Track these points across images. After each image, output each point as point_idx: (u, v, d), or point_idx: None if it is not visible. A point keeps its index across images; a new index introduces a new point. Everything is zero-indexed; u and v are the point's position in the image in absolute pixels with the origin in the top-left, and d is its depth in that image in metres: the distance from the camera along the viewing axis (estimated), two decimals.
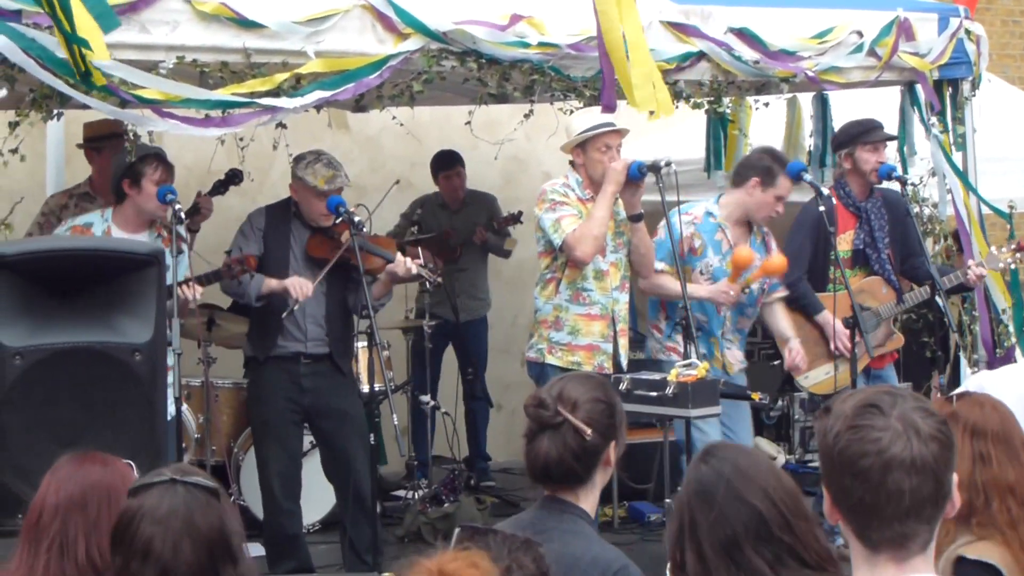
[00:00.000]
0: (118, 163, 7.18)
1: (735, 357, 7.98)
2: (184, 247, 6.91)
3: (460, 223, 10.24)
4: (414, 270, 7.44)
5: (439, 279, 8.58)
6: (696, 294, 7.63)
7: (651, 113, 7.08)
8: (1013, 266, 8.54)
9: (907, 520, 2.61)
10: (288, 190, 7.70)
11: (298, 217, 7.59)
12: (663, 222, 7.69)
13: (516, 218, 10.37)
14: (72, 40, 5.82)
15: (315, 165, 7.46)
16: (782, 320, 8.11)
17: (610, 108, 7.03)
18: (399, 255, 7.47)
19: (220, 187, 8.47)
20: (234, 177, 8.44)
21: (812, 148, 8.90)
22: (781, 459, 9.93)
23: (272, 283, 7.37)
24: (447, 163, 10.28)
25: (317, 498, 8.19)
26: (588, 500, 3.75)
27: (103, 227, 7.19)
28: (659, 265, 7.71)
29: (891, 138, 8.38)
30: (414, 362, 9.78)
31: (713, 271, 7.78)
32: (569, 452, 3.69)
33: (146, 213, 7.14)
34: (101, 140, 8.25)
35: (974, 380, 5.29)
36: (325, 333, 7.53)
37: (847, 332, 7.84)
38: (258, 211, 7.65)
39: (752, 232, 7.96)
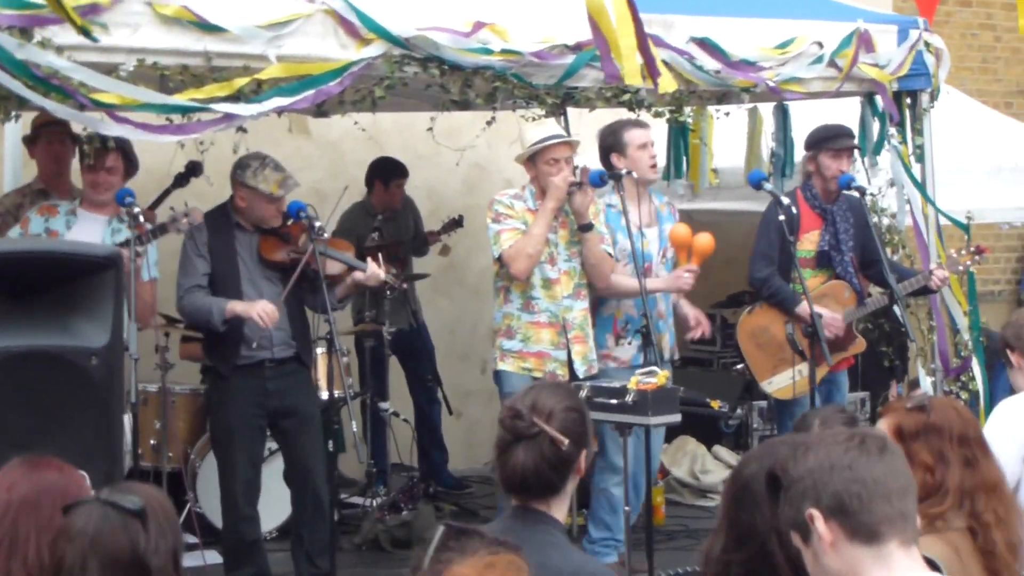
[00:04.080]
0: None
1: (667, 343, 8.04)
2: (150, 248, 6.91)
3: (392, 230, 10.17)
4: (382, 276, 7.42)
5: (404, 285, 8.58)
6: (655, 287, 7.71)
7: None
8: (970, 268, 8.60)
9: (904, 497, 2.72)
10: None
11: (239, 222, 7.51)
12: None
13: (458, 223, 10.36)
14: None
15: (264, 171, 7.37)
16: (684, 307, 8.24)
17: (614, 77, 6.97)
18: (370, 262, 7.45)
19: (181, 180, 8.37)
20: (194, 169, 8.34)
21: (774, 157, 8.94)
22: None
23: (237, 308, 7.23)
24: (401, 172, 10.18)
25: (274, 506, 8.14)
26: (560, 509, 3.71)
27: (68, 207, 7.24)
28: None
29: (854, 147, 8.42)
30: (372, 368, 9.72)
31: (631, 254, 7.74)
32: (545, 462, 3.63)
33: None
34: (37, 131, 8.12)
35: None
36: (290, 336, 7.47)
37: (836, 316, 8.01)
38: (196, 227, 7.44)
39: (655, 206, 8.06)
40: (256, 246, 7.44)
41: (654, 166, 7.93)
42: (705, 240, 7.76)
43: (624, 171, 7.64)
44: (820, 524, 2.70)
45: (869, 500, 2.67)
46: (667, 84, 7.23)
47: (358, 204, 10.09)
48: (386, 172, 10.12)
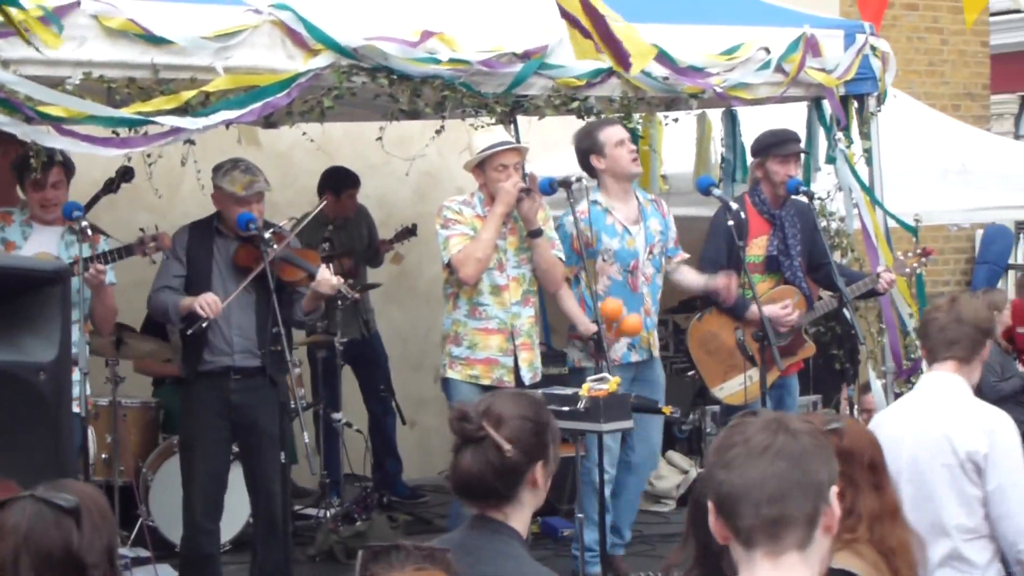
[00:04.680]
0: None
1: (655, 339, 8.09)
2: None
3: (349, 238, 10.16)
4: (333, 282, 7.40)
5: (356, 295, 8.56)
6: (575, 318, 7.78)
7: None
8: (919, 271, 8.65)
9: (774, 504, 2.61)
10: (198, 207, 7.64)
11: (221, 230, 7.52)
12: (559, 222, 7.88)
13: (411, 231, 10.36)
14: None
15: (233, 172, 7.39)
16: (692, 275, 8.23)
17: (627, 65, 6.90)
18: (323, 270, 7.43)
19: (111, 185, 8.29)
20: (125, 174, 8.26)
21: (724, 163, 8.98)
22: (693, 473, 9.97)
23: (185, 301, 7.31)
24: (353, 182, 10.17)
25: (229, 518, 8.10)
26: (517, 520, 3.66)
27: (22, 216, 7.27)
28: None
29: (801, 151, 8.46)
30: (325, 379, 9.69)
31: (615, 253, 7.83)
32: (490, 468, 3.59)
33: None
34: None
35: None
36: (256, 345, 7.44)
37: (783, 312, 8.04)
38: (181, 229, 7.54)
39: (639, 203, 8.04)
40: (232, 252, 7.45)
41: (636, 160, 7.96)
42: (632, 321, 7.79)
43: (575, 178, 7.64)
44: (711, 517, 2.71)
45: (735, 503, 2.65)
46: (640, 62, 7.18)
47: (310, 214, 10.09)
48: (337, 182, 10.11)
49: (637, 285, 7.94)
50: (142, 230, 7.48)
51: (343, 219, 10.14)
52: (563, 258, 7.75)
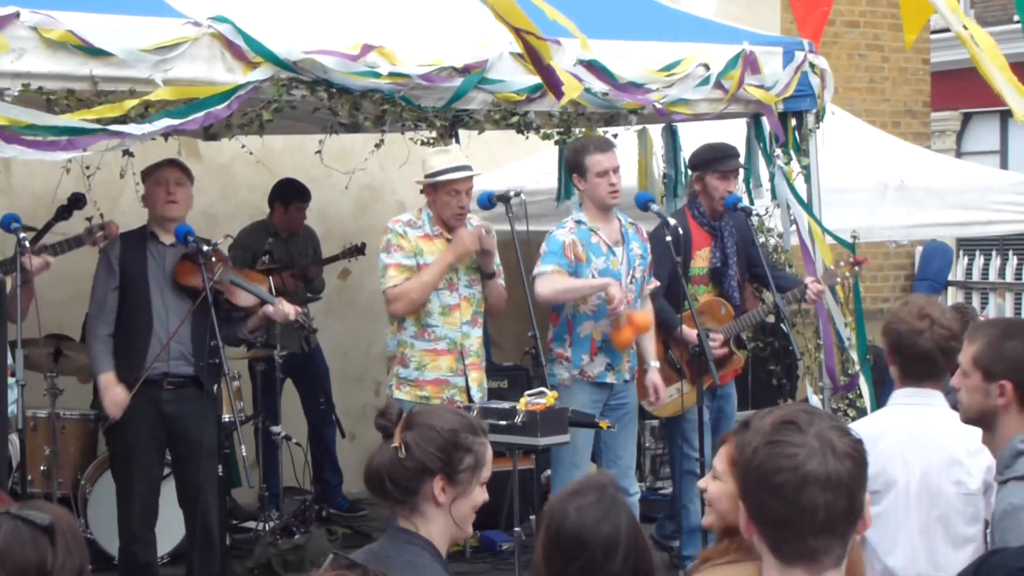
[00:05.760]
0: None
1: (628, 357, 8.01)
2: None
3: (294, 252, 10.16)
4: (291, 315, 7.46)
5: (313, 326, 8.60)
6: (594, 284, 7.71)
7: None
8: (850, 280, 8.68)
9: (820, 535, 2.67)
10: (138, 219, 7.63)
11: (156, 233, 7.53)
12: (544, 241, 7.82)
13: (360, 249, 10.35)
14: None
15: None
16: (648, 339, 8.09)
17: (559, 94, 6.94)
18: (281, 300, 7.53)
19: (63, 212, 8.32)
20: (77, 201, 8.27)
21: (664, 178, 9.03)
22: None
23: (104, 391, 7.38)
24: (300, 195, 10.19)
25: (167, 529, 8.09)
26: (428, 531, 3.73)
27: None
28: (547, 268, 7.71)
29: (740, 167, 8.52)
30: (263, 392, 9.69)
31: (603, 272, 7.78)
32: (386, 468, 3.71)
33: None
34: None
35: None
36: (190, 352, 7.44)
37: (713, 345, 8.02)
38: (111, 241, 7.53)
39: (621, 225, 7.98)
40: (171, 268, 7.45)
41: (614, 192, 7.81)
42: (642, 316, 7.80)
43: (513, 193, 7.67)
44: (743, 518, 2.78)
45: (781, 529, 2.71)
46: (572, 90, 7.22)
47: (259, 223, 10.18)
48: (286, 194, 10.14)
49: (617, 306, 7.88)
50: (88, 219, 7.47)
51: (288, 232, 10.15)
52: (555, 269, 7.70)
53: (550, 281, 7.68)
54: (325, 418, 10.37)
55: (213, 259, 7.29)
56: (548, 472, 8.13)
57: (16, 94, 6.29)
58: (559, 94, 6.78)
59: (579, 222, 7.86)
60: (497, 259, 7.74)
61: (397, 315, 7.54)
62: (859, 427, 5.03)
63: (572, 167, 7.95)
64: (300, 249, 10.26)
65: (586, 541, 3.17)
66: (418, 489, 3.69)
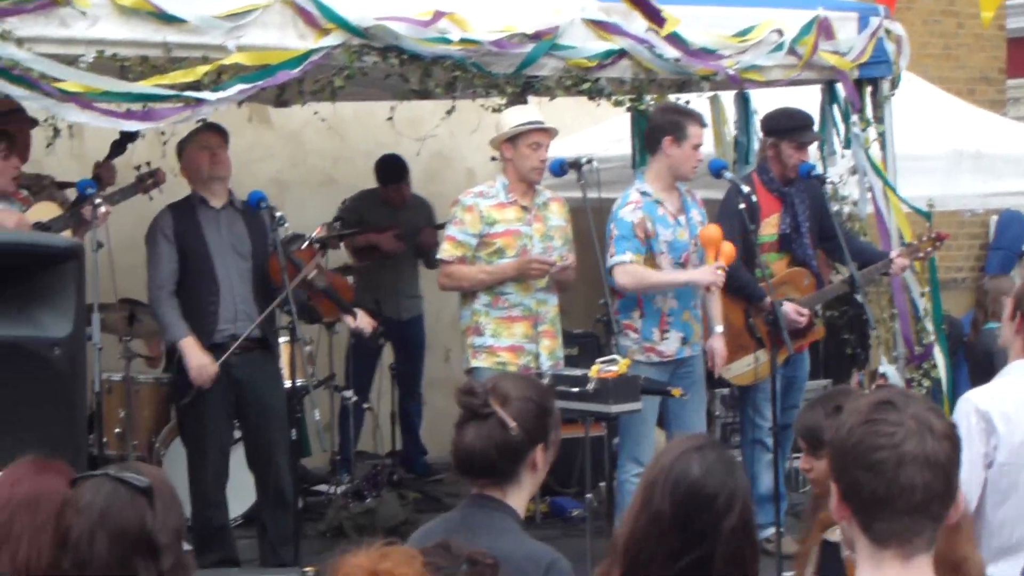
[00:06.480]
0: None
1: (699, 332, 7.89)
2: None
3: (403, 221, 10.19)
4: (367, 330, 7.68)
5: (381, 341, 8.70)
6: (690, 279, 7.61)
7: None
8: (932, 255, 8.62)
9: (916, 515, 2.65)
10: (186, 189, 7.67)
11: (204, 204, 7.54)
12: (610, 220, 7.65)
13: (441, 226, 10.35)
14: None
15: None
16: (714, 301, 7.93)
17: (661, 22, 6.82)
18: (362, 316, 7.66)
19: (117, 148, 8.25)
20: (131, 136, 8.25)
21: (736, 145, 8.97)
22: None
23: (189, 354, 7.36)
24: (396, 175, 10.14)
25: (240, 493, 8.15)
26: (516, 499, 3.73)
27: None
28: (626, 256, 7.54)
29: (818, 138, 8.44)
30: (354, 359, 9.76)
31: (670, 244, 7.66)
32: (493, 445, 3.67)
33: None
34: None
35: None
36: (256, 312, 7.49)
37: (798, 319, 7.95)
38: (162, 212, 7.54)
39: (681, 194, 7.83)
40: (227, 230, 7.51)
41: (695, 167, 7.72)
42: (728, 248, 7.59)
43: (585, 160, 7.62)
44: (835, 500, 2.75)
45: (876, 508, 2.69)
46: (672, 23, 7.14)
47: (369, 190, 10.23)
48: (383, 175, 10.19)
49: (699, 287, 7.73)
50: (137, 168, 7.50)
51: (392, 208, 10.21)
52: (633, 259, 7.58)
53: (631, 274, 7.54)
54: (412, 388, 10.48)
55: (304, 250, 7.36)
56: (617, 439, 8.10)
57: (91, 61, 6.35)
58: (660, 21, 6.74)
59: (644, 193, 7.67)
60: (570, 236, 7.73)
61: (442, 288, 7.68)
62: (985, 398, 4.82)
63: (669, 127, 7.62)
64: (410, 218, 10.27)
65: (712, 493, 3.16)
66: (524, 460, 3.71)
